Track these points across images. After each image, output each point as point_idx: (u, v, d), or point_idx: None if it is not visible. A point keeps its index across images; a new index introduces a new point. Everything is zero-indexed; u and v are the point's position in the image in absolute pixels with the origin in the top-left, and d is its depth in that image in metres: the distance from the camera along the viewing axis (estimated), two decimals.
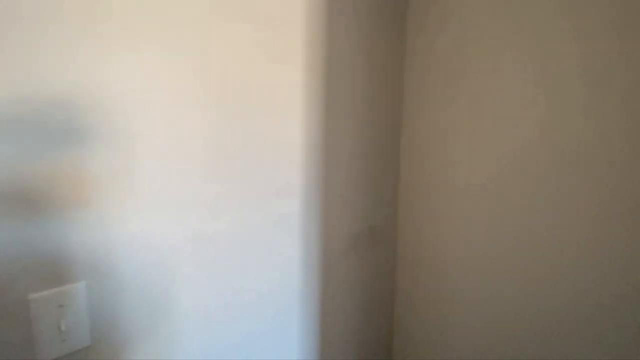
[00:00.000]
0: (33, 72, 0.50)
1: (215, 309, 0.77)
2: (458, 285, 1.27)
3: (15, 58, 0.49)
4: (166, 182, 0.66)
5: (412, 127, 1.28)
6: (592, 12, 0.94)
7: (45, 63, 0.51)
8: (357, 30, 0.99)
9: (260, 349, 0.88)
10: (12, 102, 0.49)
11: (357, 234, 1.15)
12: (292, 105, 0.83)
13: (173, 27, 0.63)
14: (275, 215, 0.84)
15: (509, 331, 1.18)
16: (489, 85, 1.11)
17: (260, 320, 0.87)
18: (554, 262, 1.07)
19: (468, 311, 1.27)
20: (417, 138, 1.28)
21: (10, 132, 0.49)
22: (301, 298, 0.97)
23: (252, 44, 0.75)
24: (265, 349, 0.89)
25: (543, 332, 1.13)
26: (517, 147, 1.10)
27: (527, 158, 1.08)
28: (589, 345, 1.05)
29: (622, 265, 0.96)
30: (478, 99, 1.14)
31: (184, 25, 0.65)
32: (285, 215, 0.87)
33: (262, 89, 0.78)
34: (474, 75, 1.14)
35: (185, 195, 0.69)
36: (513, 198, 1.12)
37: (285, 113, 0.83)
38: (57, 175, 0.54)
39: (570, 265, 1.04)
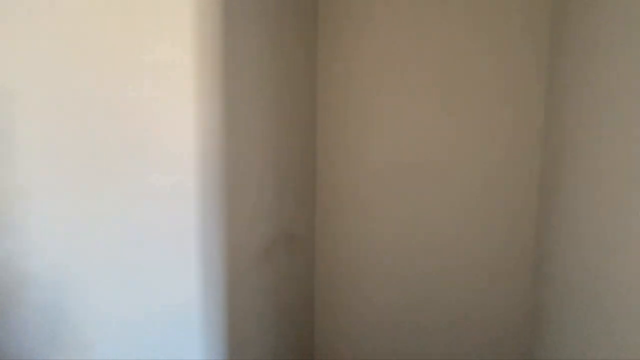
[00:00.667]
0: None
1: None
2: (374, 283, 1.31)
3: None
4: None
5: (327, 126, 1.24)
6: None
7: None
8: (264, 22, 0.90)
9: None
10: None
11: (272, 241, 1.07)
12: (179, 95, 0.71)
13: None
14: (160, 227, 0.71)
15: (420, 327, 1.27)
16: (398, 88, 1.13)
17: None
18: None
19: (383, 307, 1.33)
20: (333, 137, 1.24)
21: None
22: (204, 316, 0.85)
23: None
24: None
25: (450, 327, 1.22)
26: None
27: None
28: None
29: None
30: (390, 101, 1.14)
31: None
32: (174, 228, 0.74)
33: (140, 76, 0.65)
34: (386, 80, 1.14)
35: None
36: (420, 200, 1.16)
37: (168, 103, 0.70)
38: None
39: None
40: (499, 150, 1.11)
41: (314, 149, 1.25)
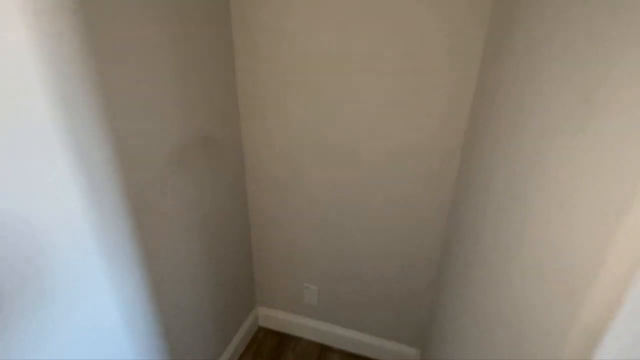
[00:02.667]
0: None
1: None
2: (303, 184, 1.31)
3: None
4: None
5: (243, 26, 1.13)
6: None
7: None
8: None
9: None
10: None
11: (186, 143, 1.00)
12: None
13: None
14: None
15: (345, 228, 1.32)
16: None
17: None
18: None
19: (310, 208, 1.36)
20: (249, 41, 1.14)
21: None
22: (101, 259, 0.78)
23: None
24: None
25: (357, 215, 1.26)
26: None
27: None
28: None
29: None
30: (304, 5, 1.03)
31: None
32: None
33: None
34: None
35: None
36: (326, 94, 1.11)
37: None
38: None
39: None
40: (431, 114, 1.05)
41: (231, 53, 1.16)
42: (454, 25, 0.94)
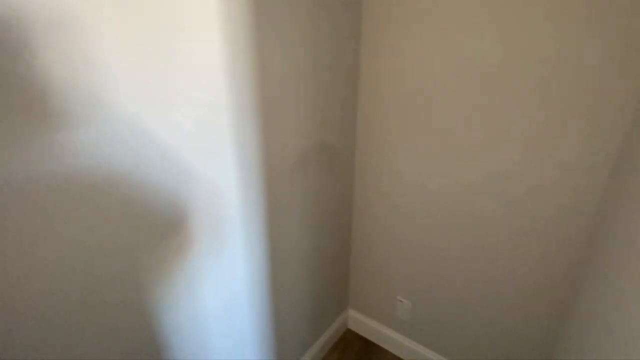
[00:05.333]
0: None
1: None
2: (410, 200, 1.29)
3: None
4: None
5: (372, 38, 1.19)
6: None
7: None
8: None
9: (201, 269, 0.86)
10: None
11: (309, 149, 1.10)
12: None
13: None
14: (197, 133, 0.76)
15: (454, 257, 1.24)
16: (438, 16, 1.02)
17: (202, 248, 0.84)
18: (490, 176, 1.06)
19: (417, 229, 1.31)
20: (378, 50, 1.19)
21: None
22: (242, 225, 0.94)
23: None
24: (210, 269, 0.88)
25: (472, 235, 1.19)
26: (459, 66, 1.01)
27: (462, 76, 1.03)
28: None
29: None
30: (431, 26, 1.04)
31: None
32: (211, 131, 0.79)
33: None
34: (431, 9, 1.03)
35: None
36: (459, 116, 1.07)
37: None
38: None
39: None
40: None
41: (357, 59, 1.23)
42: None
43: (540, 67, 0.93)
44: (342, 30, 1.10)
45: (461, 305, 1.31)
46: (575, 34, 0.86)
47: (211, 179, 0.82)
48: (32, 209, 0.56)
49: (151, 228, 0.73)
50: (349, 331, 1.70)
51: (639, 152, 0.75)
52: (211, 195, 0.83)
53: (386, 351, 1.59)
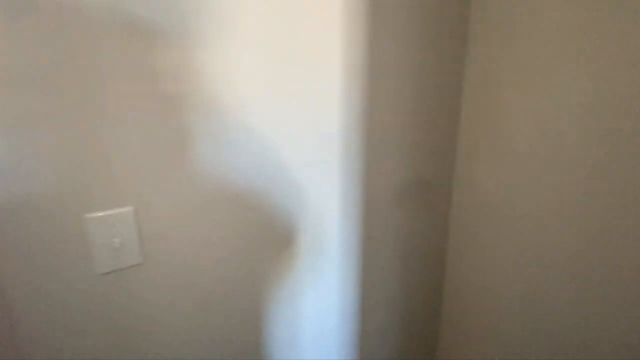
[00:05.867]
0: None
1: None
2: (515, 248, 1.16)
3: None
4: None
5: (479, 66, 1.10)
6: None
7: None
8: None
9: (300, 290, 0.92)
10: None
11: (405, 184, 1.09)
12: (328, 27, 0.77)
13: None
14: (312, 156, 0.82)
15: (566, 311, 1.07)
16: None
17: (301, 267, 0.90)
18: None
19: (524, 280, 1.17)
20: (483, 79, 1.10)
21: None
22: (339, 249, 0.97)
23: None
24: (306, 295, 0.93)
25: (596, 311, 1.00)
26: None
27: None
28: None
29: None
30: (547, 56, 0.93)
31: None
32: (324, 156, 0.84)
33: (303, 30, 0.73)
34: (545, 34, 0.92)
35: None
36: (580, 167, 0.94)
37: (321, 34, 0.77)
38: None
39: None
40: None
41: (459, 91, 1.16)
42: None
43: None
44: (446, 66, 1.06)
45: None
46: None
47: (318, 201, 0.86)
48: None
49: (266, 237, 0.82)
50: None
51: None
52: (318, 215, 0.87)
53: None
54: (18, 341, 0.59)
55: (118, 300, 0.67)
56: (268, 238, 0.82)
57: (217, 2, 0.62)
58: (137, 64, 0.58)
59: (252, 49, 0.68)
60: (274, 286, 0.86)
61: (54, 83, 0.53)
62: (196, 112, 0.65)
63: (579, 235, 1.03)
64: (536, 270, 1.13)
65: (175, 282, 0.72)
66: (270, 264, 0.84)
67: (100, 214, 0.60)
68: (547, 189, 1.06)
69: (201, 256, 0.74)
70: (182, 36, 0.61)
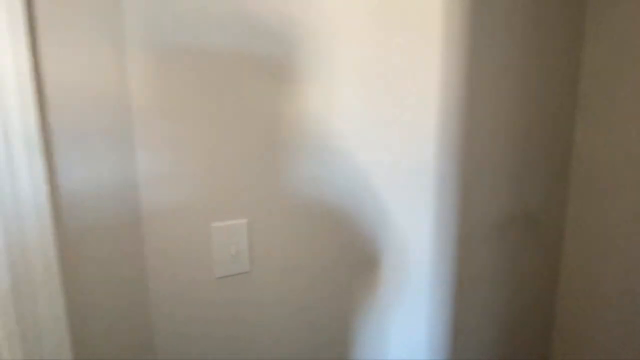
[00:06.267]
0: None
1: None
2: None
3: None
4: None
5: (593, 90, 1.00)
6: None
7: None
8: None
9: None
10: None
11: (509, 217, 1.01)
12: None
13: None
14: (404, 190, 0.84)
15: None
16: None
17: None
18: None
19: None
20: (599, 101, 0.99)
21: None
22: (429, 283, 0.94)
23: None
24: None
25: None
26: None
27: None
28: None
29: None
30: None
31: None
32: (415, 191, 0.86)
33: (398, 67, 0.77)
34: None
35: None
36: None
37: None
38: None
39: None
40: None
41: (572, 121, 1.06)
42: None
43: None
44: (558, 88, 1.00)
45: None
46: None
47: (404, 227, 0.87)
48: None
49: (353, 258, 0.84)
50: None
51: None
52: (401, 240, 0.87)
53: None
54: (153, 333, 0.69)
55: (227, 302, 0.74)
56: (354, 259, 0.84)
57: (325, 47, 0.71)
58: (264, 100, 0.69)
59: (353, 83, 0.75)
60: (360, 306, 0.87)
61: (206, 118, 0.66)
62: (302, 137, 0.73)
63: None
64: None
65: (274, 291, 0.78)
66: (356, 282, 0.85)
67: (222, 223, 0.70)
68: None
69: (297, 270, 0.79)
70: (297, 73, 0.70)
